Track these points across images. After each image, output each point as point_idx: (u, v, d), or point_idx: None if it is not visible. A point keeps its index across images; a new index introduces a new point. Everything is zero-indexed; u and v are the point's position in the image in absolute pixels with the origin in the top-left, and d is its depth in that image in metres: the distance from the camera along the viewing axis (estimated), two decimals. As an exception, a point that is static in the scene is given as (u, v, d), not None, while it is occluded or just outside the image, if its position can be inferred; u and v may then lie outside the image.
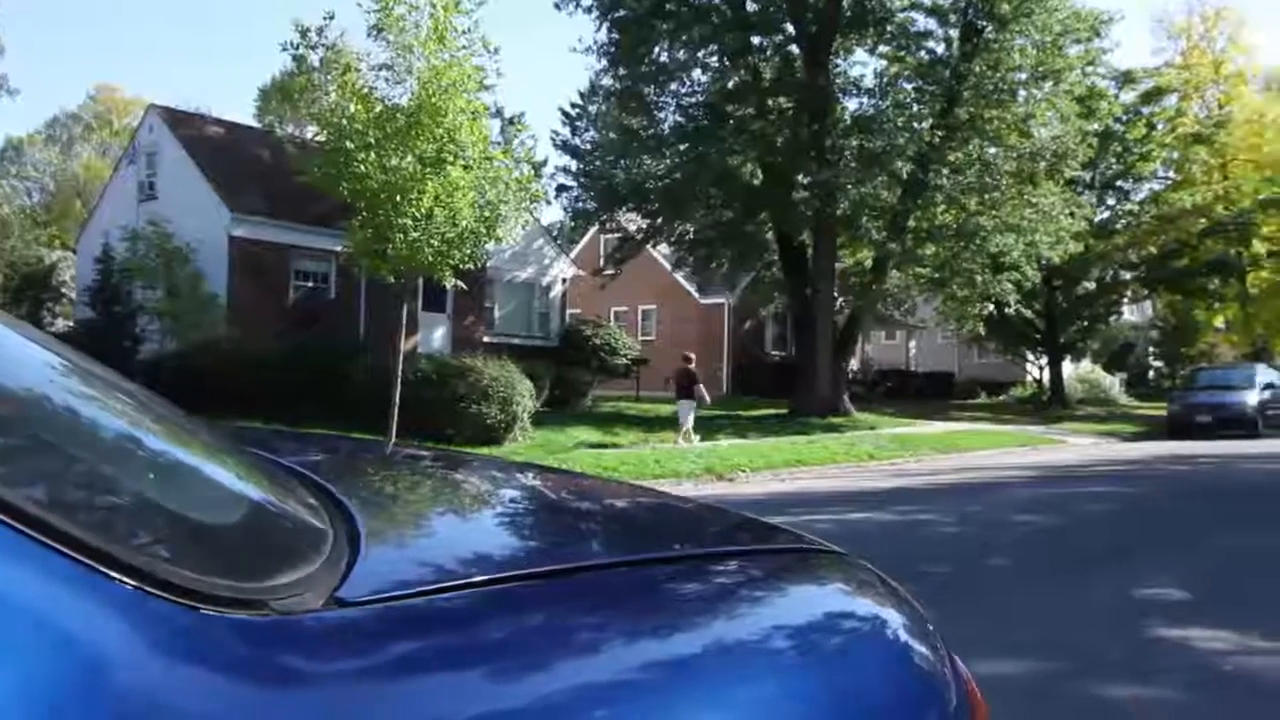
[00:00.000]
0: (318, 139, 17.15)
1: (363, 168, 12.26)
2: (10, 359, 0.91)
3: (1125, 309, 38.75)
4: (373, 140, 12.37)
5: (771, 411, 23.31)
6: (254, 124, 27.03)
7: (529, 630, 0.69)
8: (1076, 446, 21.23)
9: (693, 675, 0.75)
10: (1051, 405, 32.88)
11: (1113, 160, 32.56)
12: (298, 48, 13.57)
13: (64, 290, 23.56)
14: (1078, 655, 4.70)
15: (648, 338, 32.86)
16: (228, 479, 0.87)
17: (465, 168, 12.57)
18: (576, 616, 0.75)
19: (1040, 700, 4.09)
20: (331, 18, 13.45)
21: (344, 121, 12.82)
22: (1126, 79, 32.78)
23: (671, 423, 18.53)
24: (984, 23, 22.68)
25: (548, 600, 0.73)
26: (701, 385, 17.60)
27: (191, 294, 19.43)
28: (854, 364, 32.21)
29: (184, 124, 23.79)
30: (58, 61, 74.61)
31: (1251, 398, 23.61)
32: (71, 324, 21.61)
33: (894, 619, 0.94)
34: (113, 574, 0.48)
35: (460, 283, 14.19)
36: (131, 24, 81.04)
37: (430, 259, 12.65)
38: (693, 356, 18.23)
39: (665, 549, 0.96)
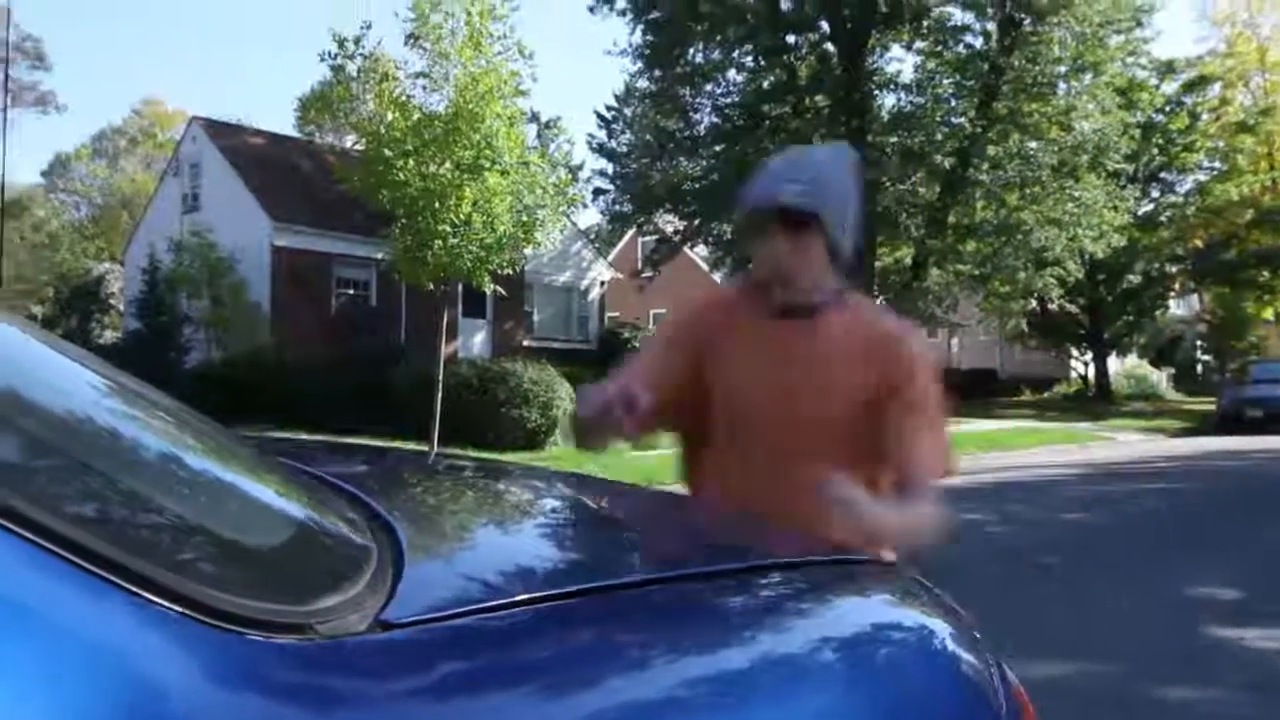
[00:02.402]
0: (357, 148, 17.33)
1: (401, 175, 12.35)
2: (46, 376, 0.91)
3: (1172, 303, 38.09)
4: (411, 148, 12.46)
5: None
6: (294, 134, 27.33)
7: (577, 648, 0.68)
8: (1123, 443, 20.91)
9: (742, 691, 0.74)
10: (1097, 401, 32.42)
11: (1155, 152, 32.02)
12: (335, 58, 13.72)
13: (112, 302, 23.96)
14: (1131, 657, 4.63)
15: (687, 339, 32.78)
16: (270, 498, 0.87)
17: (502, 173, 12.63)
18: (623, 633, 0.74)
19: (1093, 703, 4.03)
20: (369, 27, 13.60)
21: (382, 130, 12.94)
22: (1168, 69, 32.23)
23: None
24: (1022, 15, 22.41)
25: (594, 617, 0.72)
26: None
27: (235, 303, 19.68)
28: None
29: (225, 135, 24.11)
30: (102, 77, 76.01)
31: (1304, 392, 23.07)
32: (119, 335, 21.96)
33: (941, 629, 0.93)
34: (155, 598, 0.48)
35: (499, 288, 14.26)
36: (173, 38, 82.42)
37: (469, 265, 12.72)
38: None
39: (709, 562, 0.95)
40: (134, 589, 0.48)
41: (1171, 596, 5.90)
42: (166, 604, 0.48)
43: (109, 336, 23.01)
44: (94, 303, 22.37)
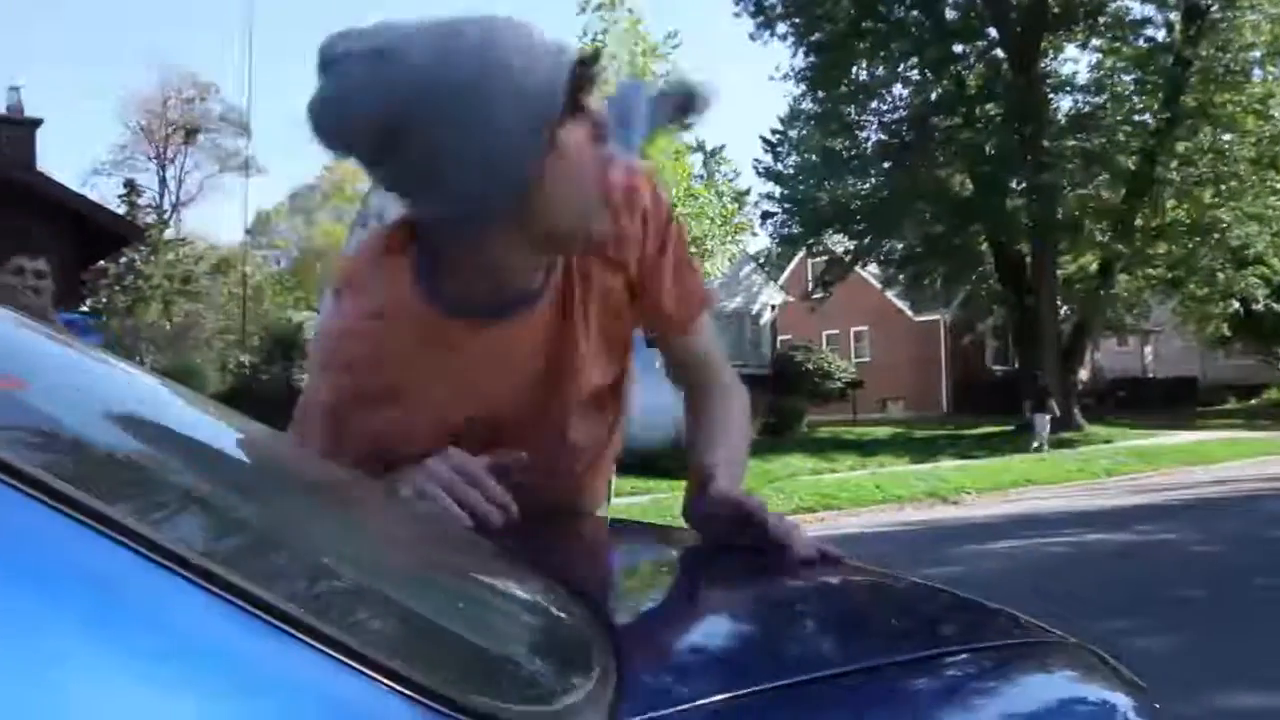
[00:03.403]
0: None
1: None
2: (252, 456, 1.00)
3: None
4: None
5: (995, 429, 22.41)
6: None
7: None
8: (1347, 452, 19.31)
9: None
10: (1314, 408, 30.06)
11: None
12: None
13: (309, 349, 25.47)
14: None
15: (862, 359, 32.33)
16: (503, 587, 0.92)
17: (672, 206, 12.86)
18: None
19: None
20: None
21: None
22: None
23: (887, 444, 19.49)
24: (1209, 2, 21.22)
25: (802, 709, 0.75)
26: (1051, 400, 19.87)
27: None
28: (1084, 374, 30.51)
29: (407, 185, 25.34)
30: (296, 139, 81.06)
31: None
32: (317, 379, 23.30)
33: (1123, 703, 0.94)
34: (421, 698, 0.51)
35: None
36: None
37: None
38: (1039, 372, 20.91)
39: (896, 649, 0.98)
40: (399, 688, 0.53)
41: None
42: (430, 703, 0.52)
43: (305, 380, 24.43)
44: (294, 349, 23.80)
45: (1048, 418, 19.36)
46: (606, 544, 1.46)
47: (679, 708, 0.63)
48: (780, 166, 29.61)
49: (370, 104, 1.04)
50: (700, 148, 15.22)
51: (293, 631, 0.49)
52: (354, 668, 0.49)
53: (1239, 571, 7.17)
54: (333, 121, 1.09)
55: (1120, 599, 6.44)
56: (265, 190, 63.58)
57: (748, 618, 1.03)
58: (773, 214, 28.87)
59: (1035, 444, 18.86)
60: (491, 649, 0.71)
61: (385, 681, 0.49)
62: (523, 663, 0.73)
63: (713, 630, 1.00)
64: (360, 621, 0.61)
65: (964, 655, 0.95)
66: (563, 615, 0.81)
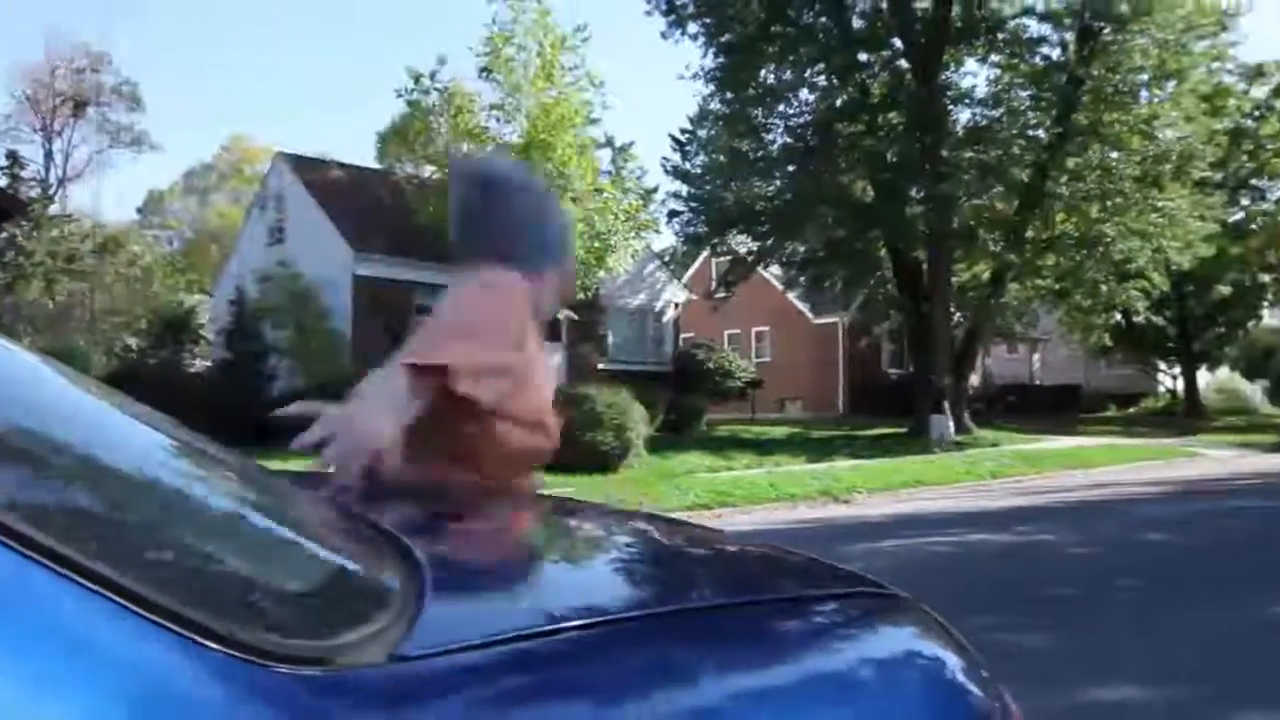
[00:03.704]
0: (434, 178, 17.71)
1: (475, 205, 12.59)
2: (71, 411, 1.01)
3: (1265, 313, 36.83)
4: (484, 178, 12.69)
5: (889, 431, 22.93)
6: (375, 166, 28.02)
7: (588, 680, 0.73)
8: (1214, 459, 20.27)
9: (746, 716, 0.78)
10: (1186, 416, 31.48)
11: (1245, 158, 31.11)
12: (411, 92, 14.08)
13: (201, 332, 24.76)
14: (1215, 681, 4.52)
15: (762, 359, 32.74)
16: (298, 535, 0.95)
17: (574, 200, 12.81)
18: (634, 664, 0.79)
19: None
20: (444, 63, 13.89)
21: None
22: (1258, 73, 31.31)
23: (784, 444, 19.74)
24: (1101, 24, 22.00)
25: (609, 649, 0.77)
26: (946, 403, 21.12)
27: (318, 332, 20.19)
28: (974, 379, 31.42)
29: (309, 170, 24.81)
30: (193, 116, 78.72)
31: None
32: (209, 364, 22.67)
33: (950, 661, 0.97)
34: (195, 635, 0.56)
35: (572, 313, 14.43)
36: (259, 77, 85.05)
37: (542, 290, 12.89)
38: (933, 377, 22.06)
39: (726, 595, 1.00)
40: (177, 628, 0.56)
41: (1258, 617, 5.74)
42: (203, 640, 0.56)
43: (199, 365, 23.74)
44: (185, 333, 23.11)
45: (946, 418, 20.41)
46: (481, 510, 1.47)
47: (465, 645, 0.66)
48: (688, 166, 29.75)
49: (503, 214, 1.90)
50: (609, 144, 15.24)
51: (62, 570, 0.54)
52: (119, 604, 0.54)
53: (1110, 572, 7.47)
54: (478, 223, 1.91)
55: (998, 597, 6.64)
56: (158, 168, 61.80)
57: (582, 568, 1.05)
58: (679, 213, 29.02)
59: (937, 442, 19.77)
60: (275, 591, 0.76)
61: (149, 616, 0.54)
62: (306, 604, 0.77)
63: (540, 578, 1.02)
64: (142, 565, 0.64)
65: (790, 607, 0.97)
66: (367, 563, 0.86)
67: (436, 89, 14.04)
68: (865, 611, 1.06)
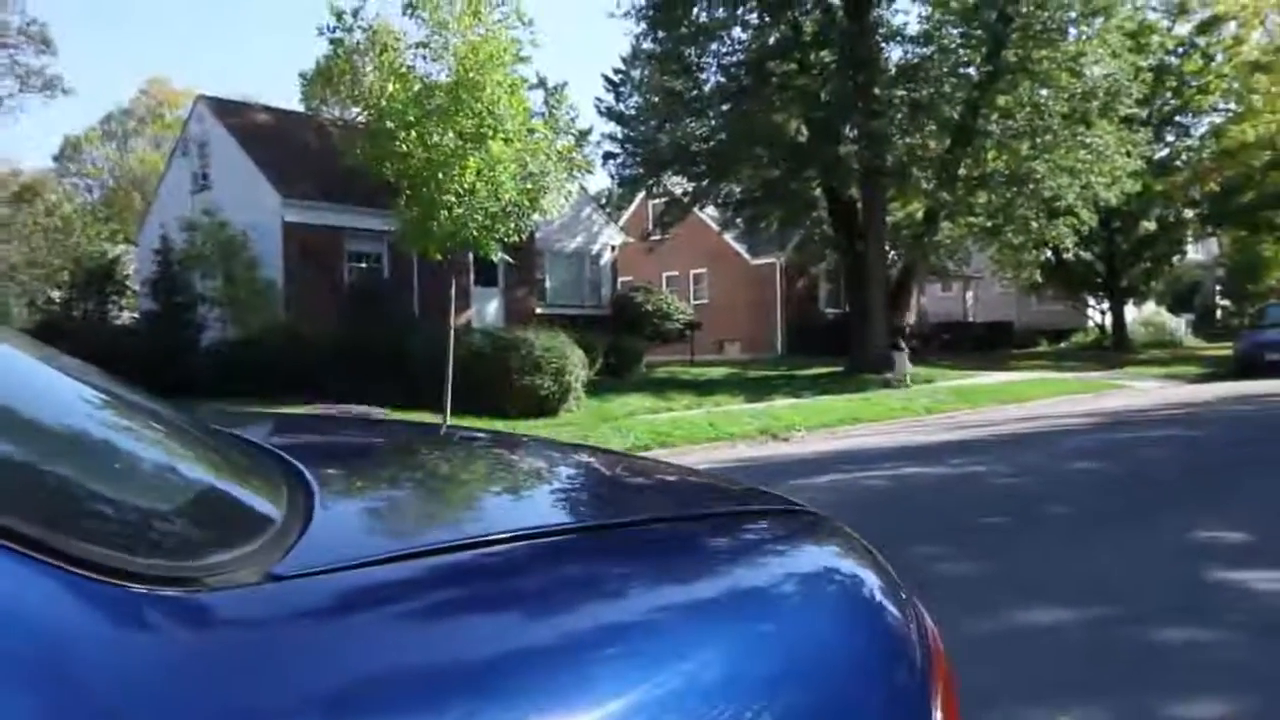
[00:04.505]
0: (361, 120, 17.32)
1: (404, 146, 12.35)
2: None
3: (1189, 248, 37.76)
4: (412, 118, 12.43)
5: (827, 370, 23.20)
6: (300, 109, 27.32)
7: (471, 599, 0.71)
8: (1140, 391, 20.84)
9: (650, 636, 0.76)
10: (1114, 350, 32.28)
11: (1169, 95, 31.64)
12: (334, 31, 13.67)
13: (127, 283, 24.14)
14: (1135, 601, 4.66)
15: (700, 301, 32.84)
16: (175, 462, 0.91)
17: (506, 141, 12.60)
18: (519, 584, 0.76)
19: (1096, 647, 4.07)
20: (367, -1, 13.49)
21: (383, 102, 12.93)
22: (1181, 10, 31.77)
23: (723, 385, 19.90)
24: (1030, -40, 22.04)
25: (500, 568, 0.75)
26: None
27: (248, 281, 19.79)
28: (910, 318, 31.85)
29: (232, 113, 24.13)
30: (108, 58, 75.96)
31: (1322, 333, 22.91)
32: (136, 316, 22.13)
33: (869, 579, 0.96)
34: (45, 557, 0.52)
35: (508, 256, 14.28)
36: (177, 16, 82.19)
37: (475, 234, 12.73)
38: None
39: (636, 513, 0.98)
40: (23, 550, 0.52)
41: (1179, 542, 5.92)
42: (56, 562, 0.52)
43: (125, 318, 23.17)
44: (109, 285, 22.50)
45: (905, 354, 21.24)
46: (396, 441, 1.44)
47: (345, 564, 0.64)
48: (622, 107, 29.47)
49: None
50: (542, 84, 14.93)
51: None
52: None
53: (1039, 500, 7.65)
54: None
55: (933, 527, 6.78)
56: (74, 114, 59.72)
57: (479, 492, 1.03)
58: (614, 155, 28.79)
59: (898, 378, 20.40)
60: (139, 514, 0.74)
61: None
62: (174, 527, 0.74)
63: (433, 502, 1.00)
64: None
65: (706, 523, 0.96)
66: (251, 492, 0.82)
67: (361, 27, 13.66)
68: (789, 530, 1.06)
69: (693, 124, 25.02)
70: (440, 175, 12.29)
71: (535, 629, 0.71)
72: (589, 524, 0.89)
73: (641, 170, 26.64)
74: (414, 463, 1.27)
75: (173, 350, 17.31)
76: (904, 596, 1.00)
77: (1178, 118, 32.92)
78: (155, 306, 19.02)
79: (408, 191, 12.98)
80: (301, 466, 0.91)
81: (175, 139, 28.79)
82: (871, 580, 0.98)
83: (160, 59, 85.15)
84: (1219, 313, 43.92)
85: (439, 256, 13.33)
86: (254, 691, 0.54)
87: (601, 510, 1.03)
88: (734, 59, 24.53)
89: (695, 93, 24.82)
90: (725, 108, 23.86)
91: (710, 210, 29.63)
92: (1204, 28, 32.07)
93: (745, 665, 0.78)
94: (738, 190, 25.76)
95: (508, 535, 0.77)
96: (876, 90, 22.12)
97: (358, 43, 13.85)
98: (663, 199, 28.15)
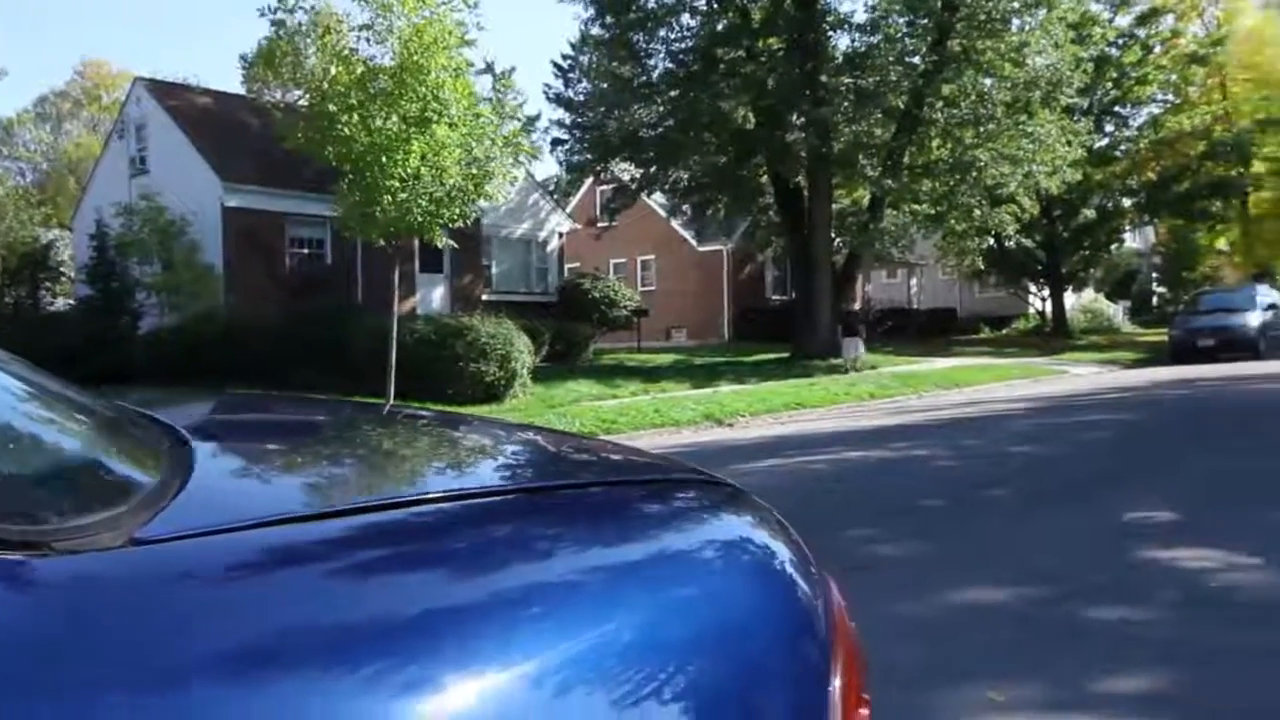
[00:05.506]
0: (303, 103, 17.07)
1: (346, 130, 12.19)
2: None
3: (1127, 236, 38.49)
4: (355, 102, 12.28)
5: (772, 356, 23.34)
6: (242, 92, 26.83)
7: (337, 568, 0.69)
8: (1078, 376, 21.24)
9: (555, 598, 0.75)
10: (1054, 336, 32.85)
11: (1109, 86, 32.20)
12: (276, 12, 13.45)
13: (62, 269, 23.60)
14: (1065, 580, 4.75)
15: (648, 288, 32.85)
16: (38, 427, 0.89)
17: (451, 126, 12.49)
18: (395, 550, 0.74)
19: (1027, 626, 4.14)
20: (309, -21, 13.31)
21: (325, 84, 12.75)
22: (1122, 2, 32.32)
23: (669, 371, 19.99)
24: (974, -48, 22.26)
25: (376, 535, 0.73)
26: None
27: (188, 267, 19.42)
28: (856, 304, 32.15)
29: (171, 95, 23.63)
30: (42, 39, 73.96)
31: (1253, 319, 23.47)
32: (71, 302, 21.64)
33: (777, 549, 0.97)
34: None
35: (452, 242, 14.17)
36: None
37: (419, 219, 12.62)
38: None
39: (548, 479, 0.97)
40: None
41: (1111, 522, 6.04)
42: None
43: (60, 304, 22.65)
44: (43, 270, 21.98)
45: (858, 341, 21.51)
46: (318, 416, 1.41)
47: (214, 528, 0.63)
48: (571, 93, 29.35)
49: None
50: (490, 69, 14.78)
51: None
52: None
53: (978, 483, 7.76)
54: None
55: (873, 510, 6.86)
56: (6, 95, 57.93)
57: (366, 460, 1.02)
58: (563, 141, 28.67)
59: (847, 365, 20.68)
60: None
61: None
62: (28, 491, 0.73)
63: (316, 471, 0.98)
64: None
65: (614, 490, 0.95)
66: (123, 458, 0.80)
67: (303, 9, 13.44)
68: (708, 500, 1.06)
69: (641, 110, 24.98)
70: (384, 159, 12.16)
71: (425, 591, 0.70)
72: (500, 488, 0.89)
73: (589, 156, 26.58)
74: (306, 432, 1.25)
75: (109, 337, 16.98)
76: (813, 570, 1.00)
77: (1117, 108, 33.51)
78: (91, 293, 18.61)
79: (350, 176, 12.82)
80: (187, 434, 0.90)
81: (112, 122, 28.13)
82: (783, 552, 0.98)
83: (97, 40, 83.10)
84: (1155, 299, 44.86)
85: (383, 242, 13.18)
86: (95, 661, 0.52)
87: (515, 476, 1.02)
88: (682, 45, 24.51)
89: (643, 79, 24.79)
90: (673, 94, 23.84)
91: (658, 197, 29.63)
92: (1143, 20, 32.68)
93: (660, 628, 0.79)
94: (685, 177, 25.78)
95: (408, 500, 0.76)
96: (823, 78, 22.24)
97: (300, 24, 13.62)
98: (610, 185, 28.11)
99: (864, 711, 0.88)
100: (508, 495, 0.87)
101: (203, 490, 0.74)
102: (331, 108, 12.40)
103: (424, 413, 1.10)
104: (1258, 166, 35.53)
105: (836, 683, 0.85)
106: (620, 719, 0.67)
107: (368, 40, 13.18)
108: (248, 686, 0.54)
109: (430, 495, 0.83)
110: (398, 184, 12.24)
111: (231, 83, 54.00)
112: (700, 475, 1.12)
